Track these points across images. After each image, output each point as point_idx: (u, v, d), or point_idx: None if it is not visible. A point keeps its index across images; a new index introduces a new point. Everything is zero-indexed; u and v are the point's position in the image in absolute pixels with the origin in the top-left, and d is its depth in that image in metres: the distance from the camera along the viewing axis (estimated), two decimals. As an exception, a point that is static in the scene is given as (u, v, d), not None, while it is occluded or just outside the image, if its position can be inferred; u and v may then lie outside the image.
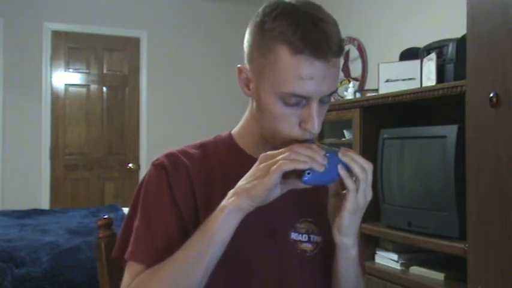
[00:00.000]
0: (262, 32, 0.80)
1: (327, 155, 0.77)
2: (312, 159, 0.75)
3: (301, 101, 0.79)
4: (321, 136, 3.01)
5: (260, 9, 0.83)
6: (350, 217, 0.81)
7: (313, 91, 0.78)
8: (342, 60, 0.85)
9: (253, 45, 0.82)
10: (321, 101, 0.81)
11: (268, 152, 0.79)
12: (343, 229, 0.83)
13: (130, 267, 0.85)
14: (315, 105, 0.79)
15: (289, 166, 0.74)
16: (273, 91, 0.79)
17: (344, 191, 0.81)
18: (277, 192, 0.78)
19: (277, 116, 0.81)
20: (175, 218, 0.86)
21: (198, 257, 0.78)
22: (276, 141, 0.84)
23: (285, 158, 0.75)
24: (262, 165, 0.77)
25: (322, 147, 0.79)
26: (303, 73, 0.76)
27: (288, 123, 0.81)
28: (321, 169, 0.75)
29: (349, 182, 0.78)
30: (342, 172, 0.77)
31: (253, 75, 0.84)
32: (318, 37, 0.76)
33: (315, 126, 0.80)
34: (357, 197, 0.79)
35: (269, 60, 0.79)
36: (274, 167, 0.74)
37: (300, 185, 0.77)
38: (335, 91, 0.82)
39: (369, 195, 0.80)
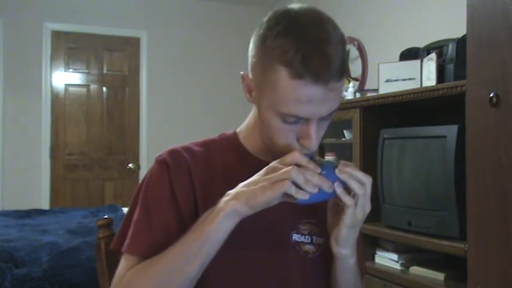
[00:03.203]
0: (263, 47, 0.78)
1: (324, 172, 0.76)
2: (306, 182, 0.74)
3: (299, 119, 0.79)
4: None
5: (265, 20, 0.81)
6: (348, 230, 0.82)
7: (311, 113, 0.77)
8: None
9: (255, 59, 0.81)
10: (321, 119, 0.80)
11: (274, 164, 0.78)
12: (341, 241, 0.83)
13: (125, 259, 0.86)
14: (313, 125, 0.79)
15: (292, 191, 0.74)
16: (272, 108, 0.79)
17: (342, 203, 0.81)
18: (275, 202, 0.77)
19: (275, 130, 0.81)
20: (175, 214, 0.86)
21: (193, 255, 0.78)
22: (275, 150, 0.84)
23: (290, 177, 0.74)
24: (267, 176, 0.76)
25: (320, 162, 0.78)
26: (301, 97, 0.75)
27: (286, 138, 0.81)
28: (315, 191, 0.75)
29: (347, 199, 0.78)
30: (339, 190, 0.77)
31: (254, 86, 0.83)
32: (318, 61, 0.74)
33: (312, 145, 0.80)
34: (356, 212, 0.79)
35: (268, 79, 0.78)
36: (279, 185, 0.73)
37: (294, 202, 0.76)
38: (336, 109, 0.81)
39: (368, 208, 0.80)
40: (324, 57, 0.74)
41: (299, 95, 0.75)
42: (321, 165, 0.77)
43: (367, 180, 0.78)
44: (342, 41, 0.78)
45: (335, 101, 0.79)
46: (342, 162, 0.79)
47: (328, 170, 0.77)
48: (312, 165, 0.76)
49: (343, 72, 0.77)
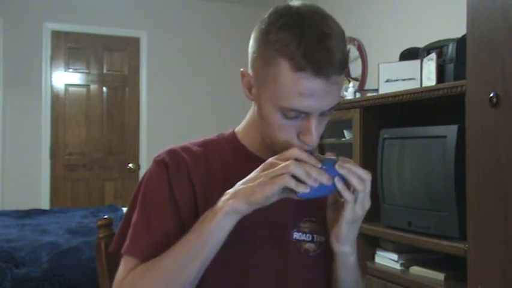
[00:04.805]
0: (265, 42, 0.79)
1: (324, 167, 0.77)
2: (308, 175, 0.74)
3: (300, 114, 0.79)
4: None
5: (266, 15, 0.81)
6: (348, 226, 0.82)
7: (313, 107, 0.77)
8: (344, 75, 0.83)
9: (256, 54, 0.81)
10: (321, 114, 0.80)
11: (272, 160, 0.78)
12: (341, 238, 0.83)
13: (125, 261, 0.85)
14: (314, 120, 0.79)
15: (292, 185, 0.74)
16: (273, 103, 0.79)
17: (342, 199, 0.81)
18: (274, 198, 0.77)
19: (276, 126, 0.81)
20: (174, 215, 0.85)
21: (194, 255, 0.78)
22: (275, 147, 0.84)
23: (289, 171, 0.74)
24: (264, 172, 0.76)
25: (320, 158, 0.78)
26: (303, 90, 0.75)
27: (286, 134, 0.81)
28: (316, 185, 0.75)
29: (347, 194, 0.78)
30: (339, 185, 0.77)
31: (255, 82, 0.83)
32: (321, 54, 0.74)
33: (313, 140, 0.80)
34: (355, 208, 0.79)
35: (270, 73, 0.78)
36: (279, 179, 0.74)
37: (295, 197, 0.77)
38: (336, 105, 0.81)
39: (367, 204, 0.80)
40: (325, 51, 0.74)
41: (300, 88, 0.75)
42: (321, 160, 0.78)
43: (367, 176, 0.78)
44: (343, 35, 0.79)
45: (336, 95, 0.79)
46: (342, 158, 0.79)
47: (328, 165, 0.77)
48: (312, 160, 0.76)
49: (344, 66, 0.78)
